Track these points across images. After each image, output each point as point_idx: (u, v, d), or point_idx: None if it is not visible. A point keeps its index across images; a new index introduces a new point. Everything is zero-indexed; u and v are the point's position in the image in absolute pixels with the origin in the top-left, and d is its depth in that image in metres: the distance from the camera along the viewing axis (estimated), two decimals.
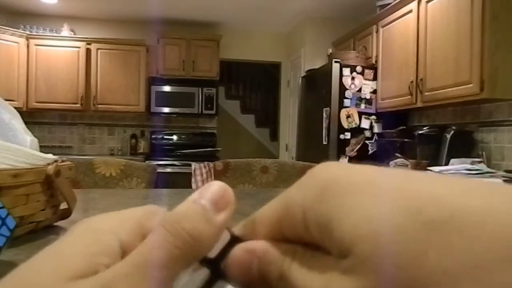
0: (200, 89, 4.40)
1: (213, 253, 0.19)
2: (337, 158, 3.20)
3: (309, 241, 0.17)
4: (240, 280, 0.18)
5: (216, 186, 0.18)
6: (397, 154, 2.71)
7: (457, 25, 2.38)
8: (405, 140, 2.81)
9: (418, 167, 2.50)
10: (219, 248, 0.19)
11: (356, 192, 0.15)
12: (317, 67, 3.73)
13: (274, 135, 5.63)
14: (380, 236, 0.14)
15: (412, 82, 2.80)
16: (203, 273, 0.18)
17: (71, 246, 0.17)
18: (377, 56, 3.31)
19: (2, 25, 3.95)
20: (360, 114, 3.25)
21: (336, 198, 0.16)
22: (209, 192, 0.18)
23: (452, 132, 2.52)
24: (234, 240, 0.19)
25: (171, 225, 0.17)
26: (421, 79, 2.72)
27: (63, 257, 0.16)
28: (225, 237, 0.19)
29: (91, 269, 0.16)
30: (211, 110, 4.44)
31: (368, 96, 3.27)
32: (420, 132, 2.69)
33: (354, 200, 0.15)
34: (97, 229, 0.18)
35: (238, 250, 0.18)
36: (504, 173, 2.15)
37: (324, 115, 3.27)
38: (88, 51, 4.22)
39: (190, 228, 0.17)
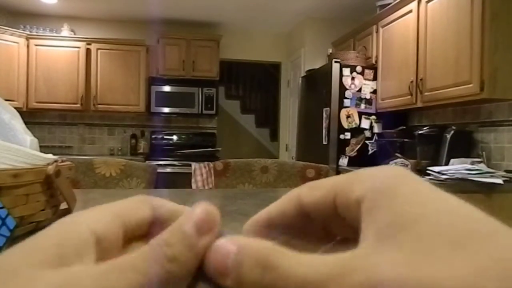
0: (200, 89, 4.40)
1: None
2: (337, 158, 3.20)
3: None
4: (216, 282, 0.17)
5: (200, 210, 0.18)
6: (397, 154, 2.70)
7: (457, 25, 2.38)
8: (405, 140, 2.81)
9: (418, 167, 2.50)
10: None
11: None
12: (317, 67, 3.73)
13: (274, 135, 5.62)
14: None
15: (412, 82, 2.80)
16: None
17: (44, 238, 0.18)
18: (377, 56, 3.30)
19: (2, 25, 3.95)
20: (360, 114, 3.25)
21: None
22: (193, 215, 0.18)
23: (452, 132, 2.52)
24: None
25: (153, 250, 0.17)
26: (421, 79, 2.72)
27: (34, 247, 0.17)
28: None
29: (58, 260, 0.17)
30: (211, 110, 4.43)
31: (368, 96, 3.27)
32: (420, 132, 2.68)
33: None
34: (72, 222, 0.19)
35: (216, 243, 0.17)
36: (504, 173, 2.15)
37: (324, 115, 3.27)
38: (88, 51, 4.22)
39: (170, 255, 0.17)
